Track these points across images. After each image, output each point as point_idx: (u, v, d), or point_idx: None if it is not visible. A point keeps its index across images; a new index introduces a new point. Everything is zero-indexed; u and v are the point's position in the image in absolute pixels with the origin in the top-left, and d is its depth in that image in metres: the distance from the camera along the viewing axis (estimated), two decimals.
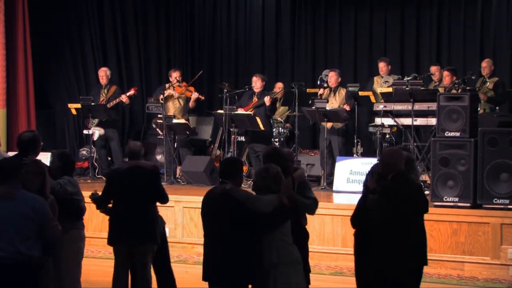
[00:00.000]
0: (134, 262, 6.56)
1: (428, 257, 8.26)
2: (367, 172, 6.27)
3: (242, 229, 5.35)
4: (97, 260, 9.35)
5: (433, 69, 11.62)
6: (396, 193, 5.66)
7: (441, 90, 10.33)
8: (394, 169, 5.75)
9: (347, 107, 11.10)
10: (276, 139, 11.87)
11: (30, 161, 5.83)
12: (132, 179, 6.48)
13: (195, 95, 11.85)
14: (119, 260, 6.62)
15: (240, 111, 11.36)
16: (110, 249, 9.63)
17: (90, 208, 9.98)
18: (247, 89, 11.81)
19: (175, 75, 11.96)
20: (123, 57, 13.81)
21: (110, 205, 6.69)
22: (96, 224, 9.93)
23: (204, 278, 5.54)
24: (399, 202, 5.64)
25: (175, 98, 11.95)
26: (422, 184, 9.35)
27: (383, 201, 5.69)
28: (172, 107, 11.96)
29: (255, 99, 11.54)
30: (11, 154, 10.82)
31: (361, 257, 5.89)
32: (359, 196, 6.38)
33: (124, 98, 11.98)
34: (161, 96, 11.67)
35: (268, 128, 11.49)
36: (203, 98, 12.14)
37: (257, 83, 11.53)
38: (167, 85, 12.03)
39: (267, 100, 11.28)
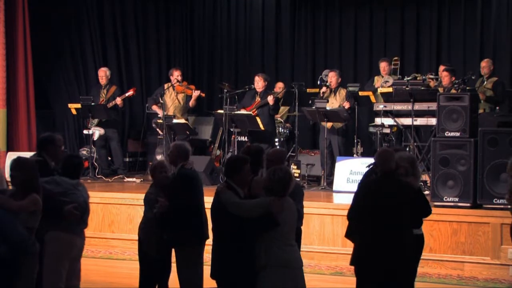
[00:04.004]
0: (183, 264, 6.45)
1: (428, 257, 8.36)
2: (364, 173, 6.27)
3: (230, 231, 5.35)
4: (97, 260, 9.35)
5: (442, 68, 11.51)
6: (383, 191, 5.65)
7: (440, 90, 10.33)
8: (385, 169, 5.75)
9: (346, 105, 11.10)
10: (276, 139, 11.87)
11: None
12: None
13: (196, 93, 11.82)
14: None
15: (243, 111, 11.35)
16: (110, 249, 9.79)
17: (91, 208, 10.05)
18: (248, 89, 11.80)
19: (176, 74, 11.96)
20: (123, 57, 13.81)
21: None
22: (96, 224, 9.93)
23: (211, 275, 5.58)
24: (385, 201, 5.61)
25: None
26: (422, 184, 9.38)
27: (368, 195, 5.71)
28: (172, 107, 11.95)
29: (257, 99, 11.51)
30: (12, 154, 10.92)
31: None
32: None
33: (118, 101, 11.96)
34: (156, 106, 11.71)
35: (271, 128, 11.46)
36: (203, 95, 12.13)
37: (259, 83, 11.49)
38: (165, 86, 12.03)
39: (270, 99, 11.24)
